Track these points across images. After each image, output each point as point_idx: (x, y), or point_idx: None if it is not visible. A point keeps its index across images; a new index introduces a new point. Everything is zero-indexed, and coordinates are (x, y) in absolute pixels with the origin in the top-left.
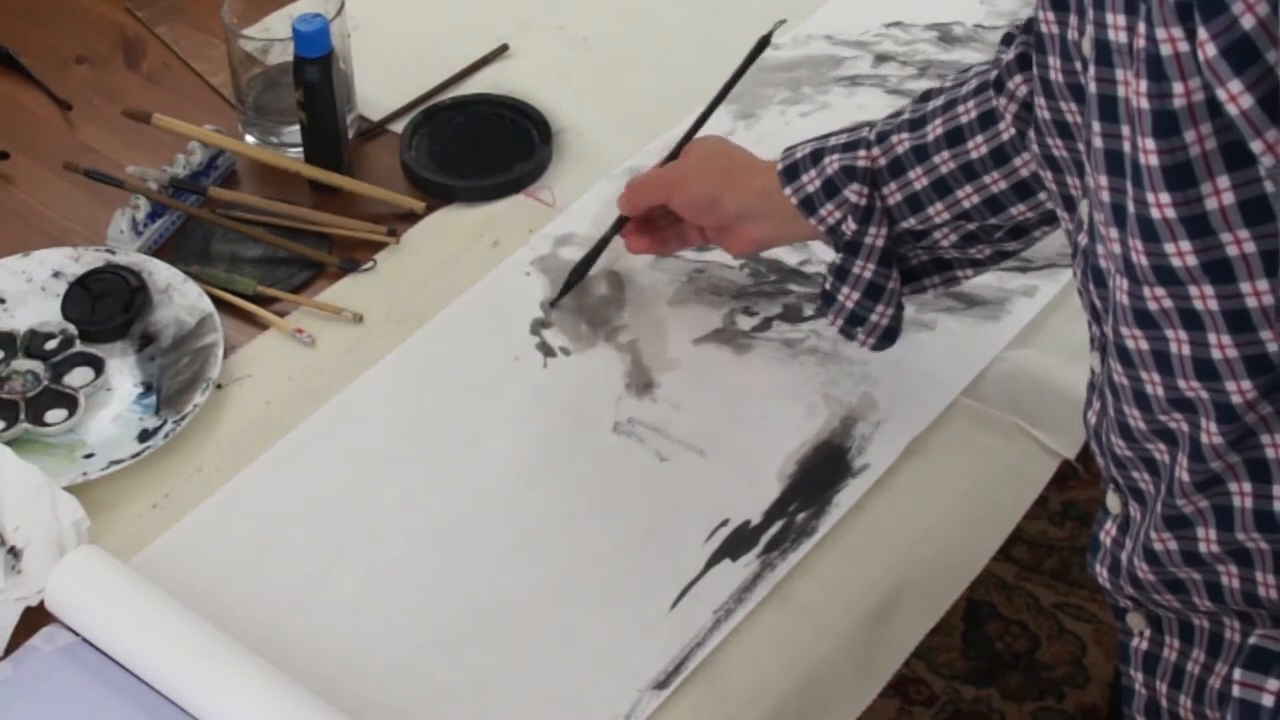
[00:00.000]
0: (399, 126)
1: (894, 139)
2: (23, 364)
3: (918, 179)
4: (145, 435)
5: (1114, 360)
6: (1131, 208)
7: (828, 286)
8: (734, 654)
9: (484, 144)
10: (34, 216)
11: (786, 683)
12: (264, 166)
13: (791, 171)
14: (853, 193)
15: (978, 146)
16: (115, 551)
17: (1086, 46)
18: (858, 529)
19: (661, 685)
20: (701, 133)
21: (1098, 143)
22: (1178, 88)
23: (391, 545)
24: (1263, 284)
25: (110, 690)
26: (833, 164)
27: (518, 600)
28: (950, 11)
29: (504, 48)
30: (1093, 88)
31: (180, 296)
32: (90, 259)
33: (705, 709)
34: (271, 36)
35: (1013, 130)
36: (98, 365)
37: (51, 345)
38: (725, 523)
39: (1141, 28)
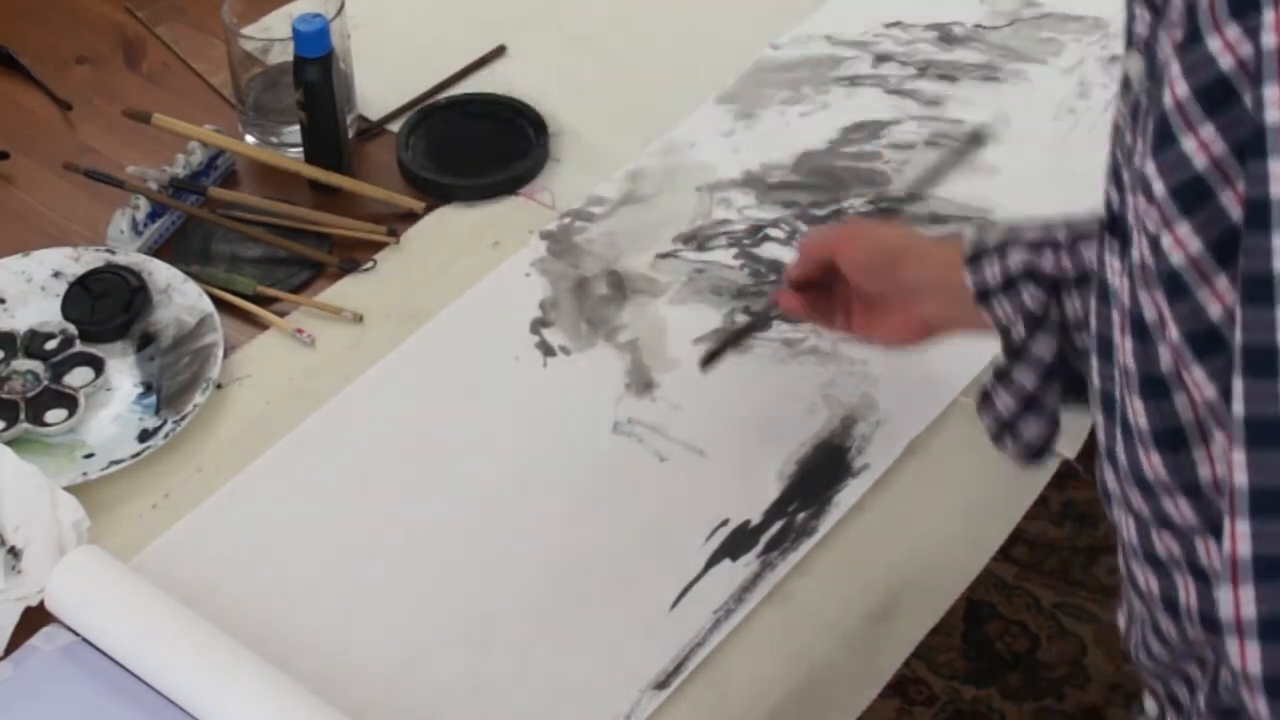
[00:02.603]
0: (399, 126)
1: (1086, 253)
2: (23, 364)
3: None
4: (145, 435)
5: (1131, 592)
6: (1124, 459)
7: (987, 387)
8: (734, 654)
9: (481, 143)
10: (34, 216)
11: (786, 683)
12: (264, 166)
13: (976, 256)
14: (1030, 296)
15: None
16: (115, 551)
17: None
18: (858, 529)
19: (661, 685)
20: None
21: (1095, 381)
22: (1164, 353)
23: (391, 545)
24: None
25: (110, 690)
26: (1017, 260)
27: (518, 600)
28: (950, 11)
29: (502, 48)
30: (1093, 323)
31: (180, 296)
32: (90, 259)
33: (705, 709)
34: (271, 36)
35: None
36: (98, 365)
37: (51, 345)
38: (725, 523)
39: (1127, 285)
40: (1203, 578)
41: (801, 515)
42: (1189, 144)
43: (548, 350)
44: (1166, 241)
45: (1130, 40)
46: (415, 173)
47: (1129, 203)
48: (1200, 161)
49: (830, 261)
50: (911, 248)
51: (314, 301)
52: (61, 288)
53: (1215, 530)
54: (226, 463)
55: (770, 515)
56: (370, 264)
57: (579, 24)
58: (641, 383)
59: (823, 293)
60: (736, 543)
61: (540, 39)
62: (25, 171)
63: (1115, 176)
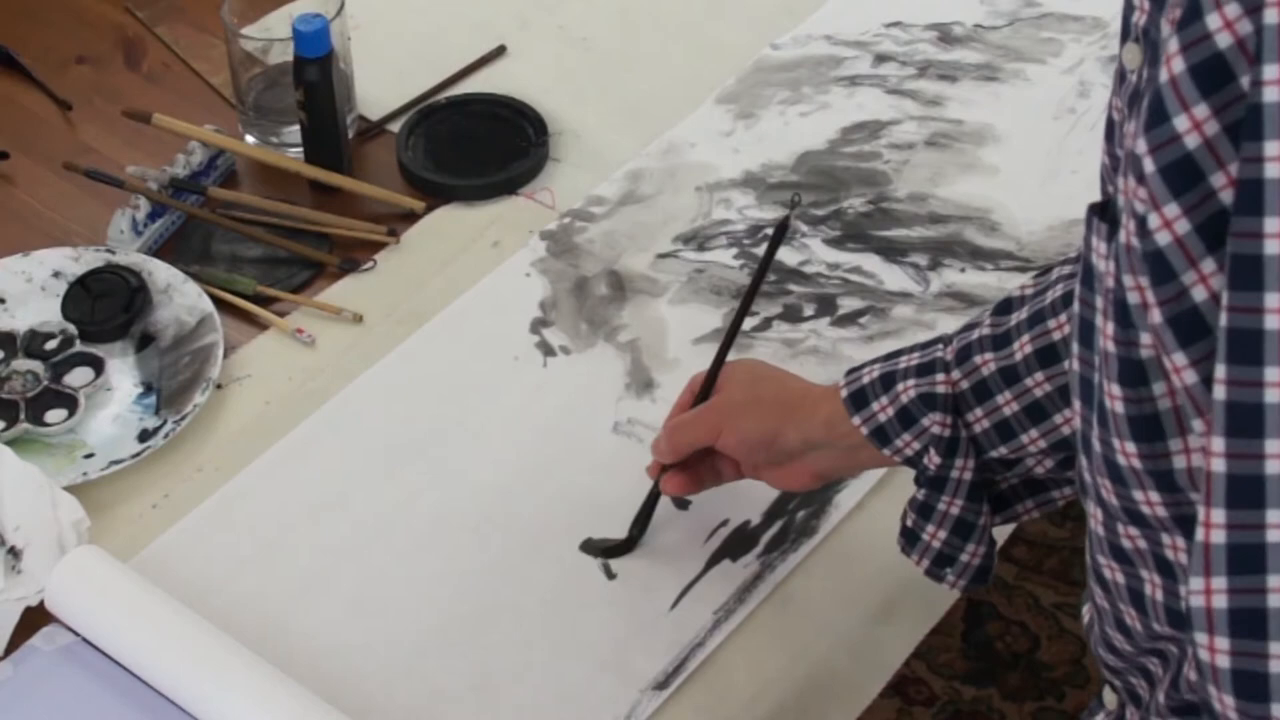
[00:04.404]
0: (399, 126)
1: (977, 359)
2: (23, 364)
3: (1007, 404)
4: (145, 435)
5: (1094, 584)
6: (1098, 447)
7: (909, 524)
8: (734, 654)
9: (480, 143)
10: (34, 216)
11: (786, 683)
12: (264, 166)
13: (859, 399)
14: (934, 423)
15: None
16: (115, 551)
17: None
18: (858, 529)
19: (661, 685)
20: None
21: (1075, 366)
22: (1145, 338)
23: (391, 545)
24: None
25: (110, 690)
26: (908, 390)
27: (517, 600)
28: (950, 11)
29: (502, 48)
30: (1076, 307)
31: (180, 296)
32: (90, 259)
33: (705, 709)
34: (271, 36)
35: None
36: (98, 365)
37: (51, 345)
38: (725, 523)
39: (1112, 267)
40: (1168, 573)
41: (801, 515)
42: (1182, 122)
43: (548, 350)
44: (1154, 221)
45: (1127, 33)
46: (415, 173)
47: (1119, 185)
48: (1192, 141)
49: (709, 444)
50: (789, 414)
51: (314, 301)
52: (61, 288)
53: (1183, 526)
54: (226, 463)
55: (770, 515)
56: (370, 264)
57: (579, 24)
58: (641, 383)
59: (700, 456)
60: (736, 543)
61: (540, 39)
62: (25, 171)
63: (1110, 165)
